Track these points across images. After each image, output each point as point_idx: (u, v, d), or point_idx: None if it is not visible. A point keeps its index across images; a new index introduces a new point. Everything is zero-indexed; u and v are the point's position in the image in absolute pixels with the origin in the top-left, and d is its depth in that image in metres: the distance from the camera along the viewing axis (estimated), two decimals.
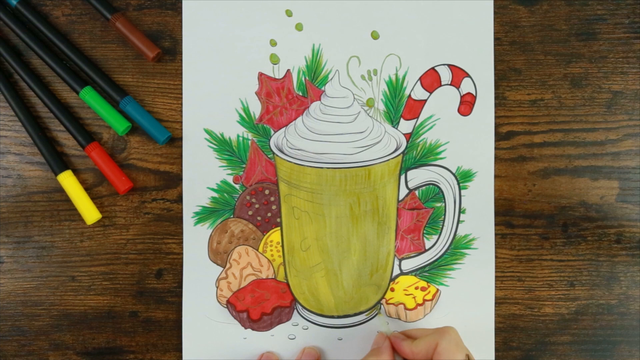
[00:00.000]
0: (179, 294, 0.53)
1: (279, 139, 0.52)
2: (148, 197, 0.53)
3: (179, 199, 0.53)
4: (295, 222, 0.52)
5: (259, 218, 0.53)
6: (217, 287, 0.53)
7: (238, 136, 0.53)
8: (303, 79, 0.53)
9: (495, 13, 0.53)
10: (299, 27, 0.53)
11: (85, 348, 0.53)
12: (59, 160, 0.52)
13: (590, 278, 0.53)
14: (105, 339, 0.53)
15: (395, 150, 0.51)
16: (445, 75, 0.53)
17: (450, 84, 0.53)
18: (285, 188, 0.52)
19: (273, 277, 0.53)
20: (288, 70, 0.53)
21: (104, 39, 0.53)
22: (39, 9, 0.53)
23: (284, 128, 0.52)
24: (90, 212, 0.52)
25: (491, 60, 0.53)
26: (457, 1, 0.53)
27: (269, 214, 0.53)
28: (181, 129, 0.53)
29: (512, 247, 0.53)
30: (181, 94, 0.53)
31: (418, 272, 0.53)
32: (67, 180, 0.52)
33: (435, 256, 0.53)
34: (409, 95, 0.53)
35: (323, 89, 0.52)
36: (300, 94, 0.53)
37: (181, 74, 0.53)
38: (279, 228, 0.53)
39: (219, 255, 0.53)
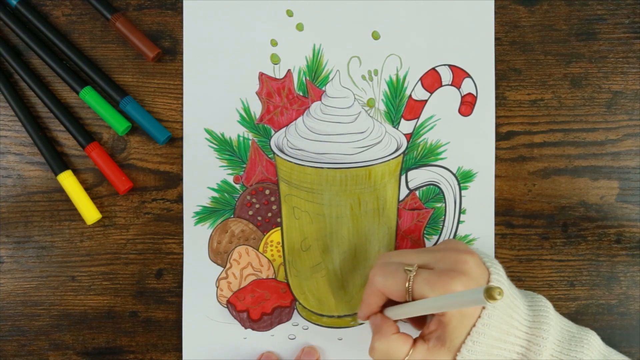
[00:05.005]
0: (179, 294, 0.53)
1: (280, 139, 0.52)
2: (148, 197, 0.53)
3: (179, 199, 0.53)
4: (295, 222, 0.52)
5: (259, 218, 0.53)
6: (217, 287, 0.53)
7: (238, 136, 0.53)
8: (304, 79, 0.53)
9: (495, 13, 0.53)
10: (299, 27, 0.53)
11: (85, 348, 0.53)
12: (59, 160, 0.52)
13: (590, 278, 0.53)
14: (105, 339, 0.53)
15: (396, 150, 0.51)
16: (446, 75, 0.53)
17: (451, 85, 0.53)
18: (285, 188, 0.52)
19: (273, 277, 0.53)
20: (289, 70, 0.53)
21: (104, 39, 0.53)
22: (39, 9, 0.53)
23: (285, 128, 0.52)
24: (90, 212, 0.51)
25: (492, 60, 0.53)
26: (458, 1, 0.53)
27: (270, 214, 0.53)
28: (181, 129, 0.53)
29: (512, 247, 0.53)
30: (181, 94, 0.53)
31: None
32: (67, 180, 0.52)
33: None
34: (410, 96, 0.53)
35: (324, 89, 0.52)
36: (301, 94, 0.53)
37: (181, 74, 0.53)
38: (279, 228, 0.53)
39: (219, 255, 0.53)
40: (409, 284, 0.42)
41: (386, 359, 0.43)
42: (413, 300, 0.42)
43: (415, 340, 0.43)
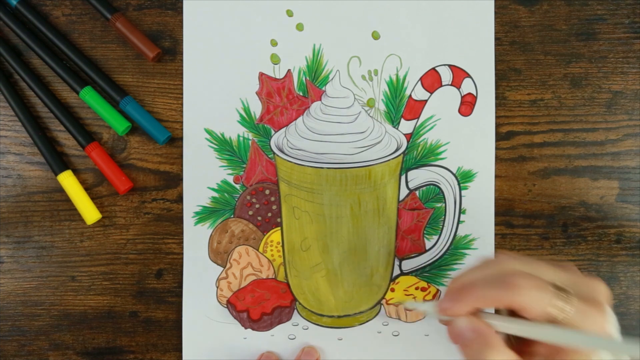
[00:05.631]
0: (179, 294, 0.53)
1: (280, 139, 0.52)
2: (148, 197, 0.53)
3: (179, 199, 0.53)
4: (295, 222, 0.52)
5: (259, 218, 0.53)
6: (217, 287, 0.53)
7: (238, 136, 0.53)
8: (304, 79, 0.53)
9: (495, 13, 0.53)
10: (299, 27, 0.53)
11: (85, 348, 0.53)
12: (59, 160, 0.52)
13: None
14: (105, 339, 0.53)
15: (396, 150, 0.51)
16: (446, 75, 0.53)
17: (451, 85, 0.53)
18: (285, 188, 0.52)
19: (273, 277, 0.53)
20: (289, 70, 0.53)
21: (104, 39, 0.53)
22: (39, 9, 0.53)
23: (285, 128, 0.52)
24: (90, 212, 0.51)
25: (492, 60, 0.53)
26: (458, 1, 0.53)
27: (270, 214, 0.53)
28: (181, 129, 0.53)
29: (512, 247, 0.53)
30: (181, 94, 0.53)
31: (418, 272, 0.53)
32: (67, 180, 0.52)
33: (435, 256, 0.53)
34: (410, 96, 0.53)
35: (324, 89, 0.52)
36: (301, 94, 0.53)
37: (181, 74, 0.53)
38: (279, 228, 0.53)
39: (219, 255, 0.53)
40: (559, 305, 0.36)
41: None
42: (547, 322, 0.37)
43: None
